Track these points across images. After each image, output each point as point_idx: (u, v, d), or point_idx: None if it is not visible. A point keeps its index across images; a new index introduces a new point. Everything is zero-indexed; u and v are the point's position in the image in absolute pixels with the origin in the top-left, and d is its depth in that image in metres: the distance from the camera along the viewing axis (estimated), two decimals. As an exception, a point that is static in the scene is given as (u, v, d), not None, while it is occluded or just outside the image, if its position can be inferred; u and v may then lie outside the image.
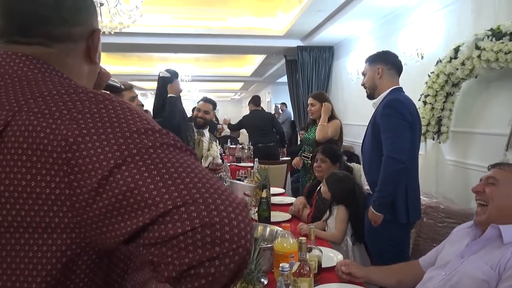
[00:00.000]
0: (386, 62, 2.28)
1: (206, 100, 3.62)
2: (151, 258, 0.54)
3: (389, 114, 2.09)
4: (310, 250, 1.63)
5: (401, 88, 2.30)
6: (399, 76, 2.34)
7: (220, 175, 3.52)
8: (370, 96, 2.38)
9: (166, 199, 0.53)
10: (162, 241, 0.53)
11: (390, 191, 2.07)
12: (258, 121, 5.78)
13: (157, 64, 10.50)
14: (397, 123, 2.06)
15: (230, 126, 6.97)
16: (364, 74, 2.38)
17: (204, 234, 0.52)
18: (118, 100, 0.63)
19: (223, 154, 5.49)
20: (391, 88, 2.25)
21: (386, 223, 2.11)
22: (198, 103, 3.79)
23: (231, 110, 23.25)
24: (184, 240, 0.52)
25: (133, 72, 11.89)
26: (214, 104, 3.67)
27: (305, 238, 1.35)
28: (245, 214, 0.56)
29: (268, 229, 1.77)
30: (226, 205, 0.54)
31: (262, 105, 8.64)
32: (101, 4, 3.85)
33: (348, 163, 2.98)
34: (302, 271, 1.28)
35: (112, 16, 3.92)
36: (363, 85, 2.39)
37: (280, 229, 1.52)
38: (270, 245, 1.47)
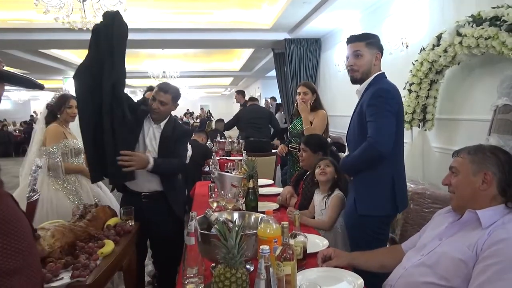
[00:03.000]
0: (381, 50, 2.18)
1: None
2: None
3: (376, 105, 2.03)
4: (295, 236, 1.64)
5: (384, 73, 2.19)
6: None
7: (210, 169, 3.51)
8: (360, 80, 2.18)
9: None
10: None
11: (357, 169, 2.11)
12: (255, 115, 5.80)
13: (144, 61, 10.43)
14: (384, 113, 2.01)
15: (226, 125, 6.84)
16: (358, 55, 2.13)
17: None
18: None
19: (212, 149, 5.49)
20: (375, 74, 2.16)
21: (369, 217, 2.08)
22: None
23: (222, 106, 23.19)
24: None
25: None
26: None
27: (287, 222, 1.36)
28: None
29: (253, 216, 1.77)
30: None
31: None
32: (84, 0, 3.82)
33: (337, 154, 3.00)
34: (284, 254, 1.29)
35: (95, 11, 3.88)
36: (351, 66, 2.16)
37: (264, 215, 1.53)
38: (254, 232, 1.48)
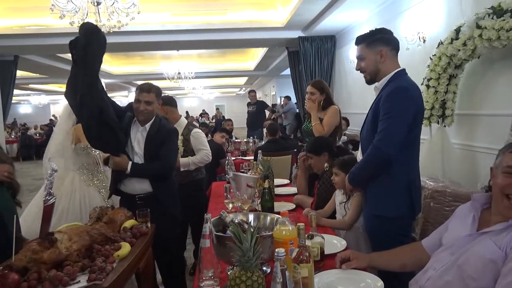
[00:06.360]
0: (388, 43, 2.08)
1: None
2: None
3: (391, 102, 1.94)
4: (311, 237, 1.61)
5: (404, 70, 2.11)
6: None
7: (226, 170, 3.49)
8: (371, 81, 2.16)
9: None
10: None
11: (367, 175, 2.03)
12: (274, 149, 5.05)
13: (160, 63, 10.52)
14: (397, 113, 1.92)
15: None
16: (361, 58, 2.13)
17: None
18: None
19: (228, 148, 5.47)
20: (395, 71, 2.07)
21: (385, 218, 2.02)
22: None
23: (237, 106, 23.22)
24: None
25: (137, 72, 11.94)
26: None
27: (303, 224, 1.33)
28: None
29: (268, 217, 1.74)
30: None
31: (267, 98, 8.55)
32: (98, 3, 3.85)
33: (353, 152, 2.95)
34: (301, 257, 1.26)
35: (109, 14, 3.92)
36: (359, 69, 2.16)
37: (280, 216, 1.50)
38: (270, 233, 1.45)
